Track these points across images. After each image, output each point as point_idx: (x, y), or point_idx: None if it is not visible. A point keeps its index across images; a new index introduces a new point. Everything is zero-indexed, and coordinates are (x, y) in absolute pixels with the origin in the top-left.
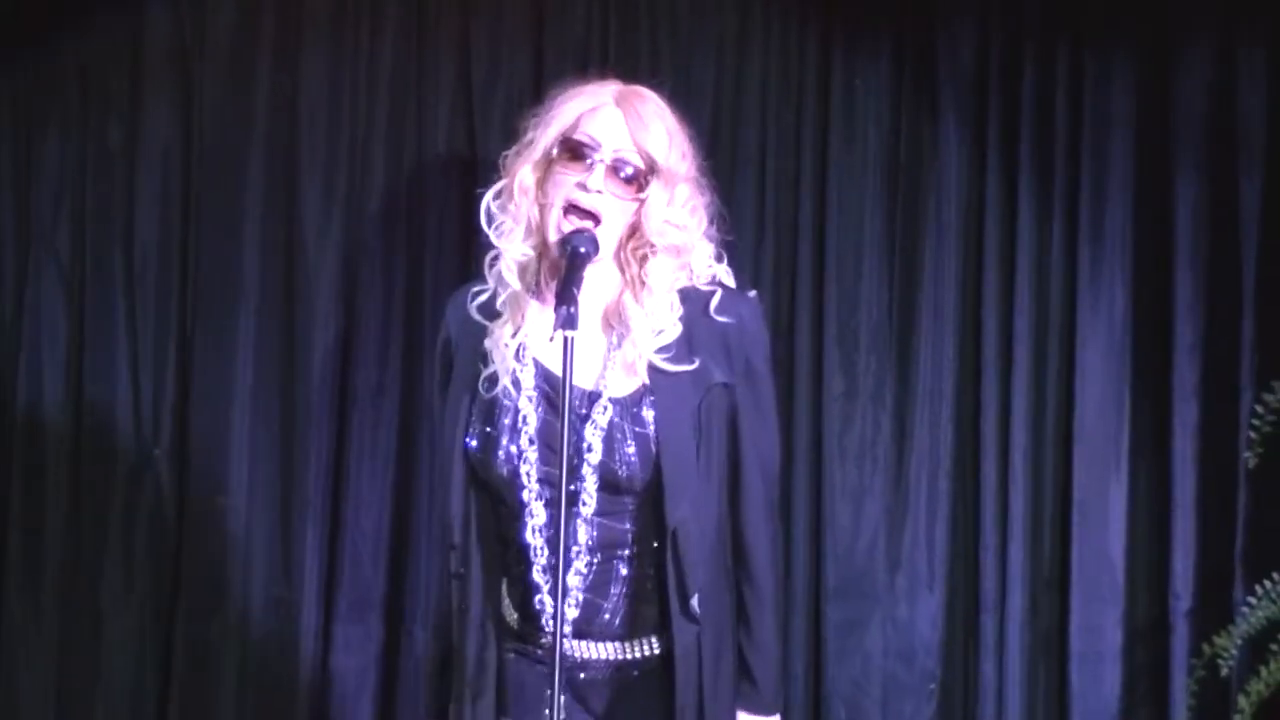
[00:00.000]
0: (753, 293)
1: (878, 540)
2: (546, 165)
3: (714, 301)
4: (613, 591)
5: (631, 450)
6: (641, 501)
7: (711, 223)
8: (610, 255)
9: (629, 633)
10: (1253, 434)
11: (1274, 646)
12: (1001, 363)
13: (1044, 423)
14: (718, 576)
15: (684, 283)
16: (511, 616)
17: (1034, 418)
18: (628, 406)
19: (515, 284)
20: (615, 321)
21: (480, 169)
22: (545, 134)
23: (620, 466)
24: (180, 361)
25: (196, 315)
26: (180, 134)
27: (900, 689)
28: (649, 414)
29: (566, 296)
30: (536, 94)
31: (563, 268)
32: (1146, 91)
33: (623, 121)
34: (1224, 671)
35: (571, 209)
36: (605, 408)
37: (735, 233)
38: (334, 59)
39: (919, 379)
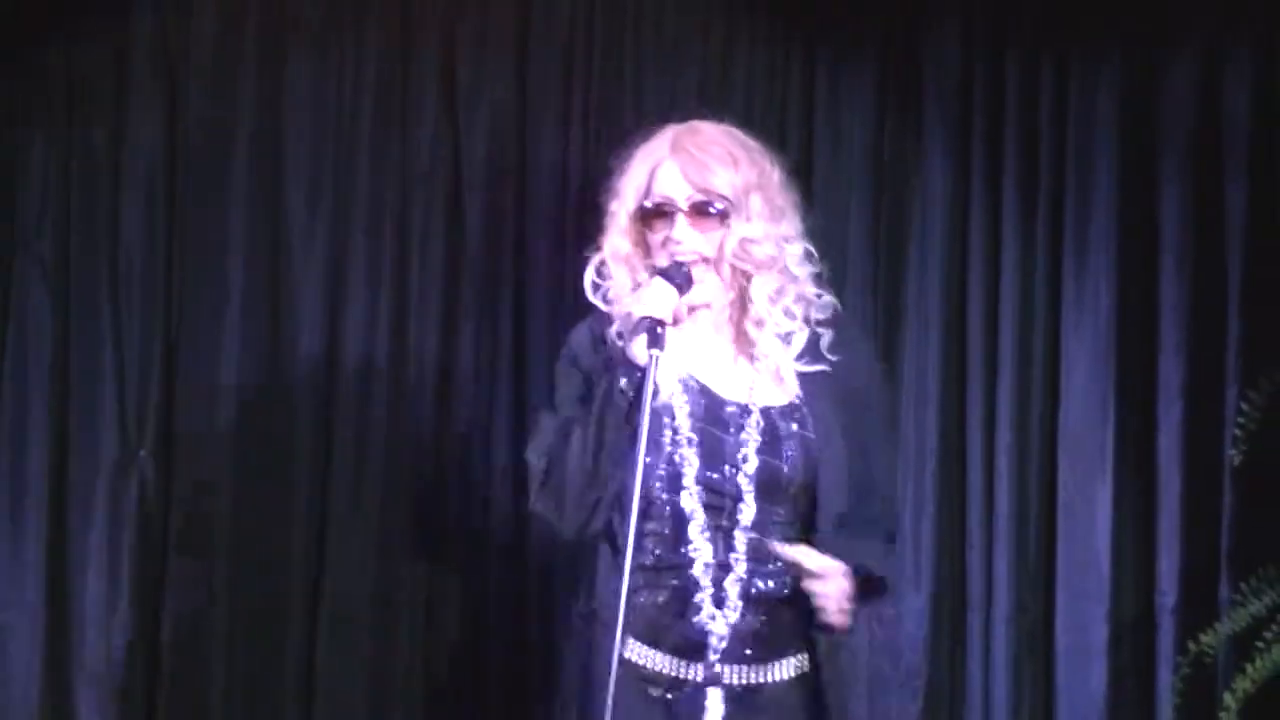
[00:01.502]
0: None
1: None
2: (636, 231)
3: (844, 334)
4: (761, 604)
5: (794, 446)
6: (797, 512)
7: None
8: (727, 284)
9: (776, 650)
10: (1237, 432)
11: (1259, 644)
12: (987, 364)
13: (1029, 423)
14: None
15: (792, 290)
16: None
17: (1019, 418)
18: (785, 414)
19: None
20: (745, 344)
21: (465, 170)
22: (623, 204)
23: (783, 466)
24: (165, 363)
25: (182, 318)
26: (165, 138)
27: (886, 686)
28: (805, 418)
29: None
30: (520, 97)
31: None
32: (1131, 94)
33: (685, 166)
34: (1209, 669)
35: (668, 273)
36: (758, 420)
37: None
38: (318, 64)
39: (904, 381)
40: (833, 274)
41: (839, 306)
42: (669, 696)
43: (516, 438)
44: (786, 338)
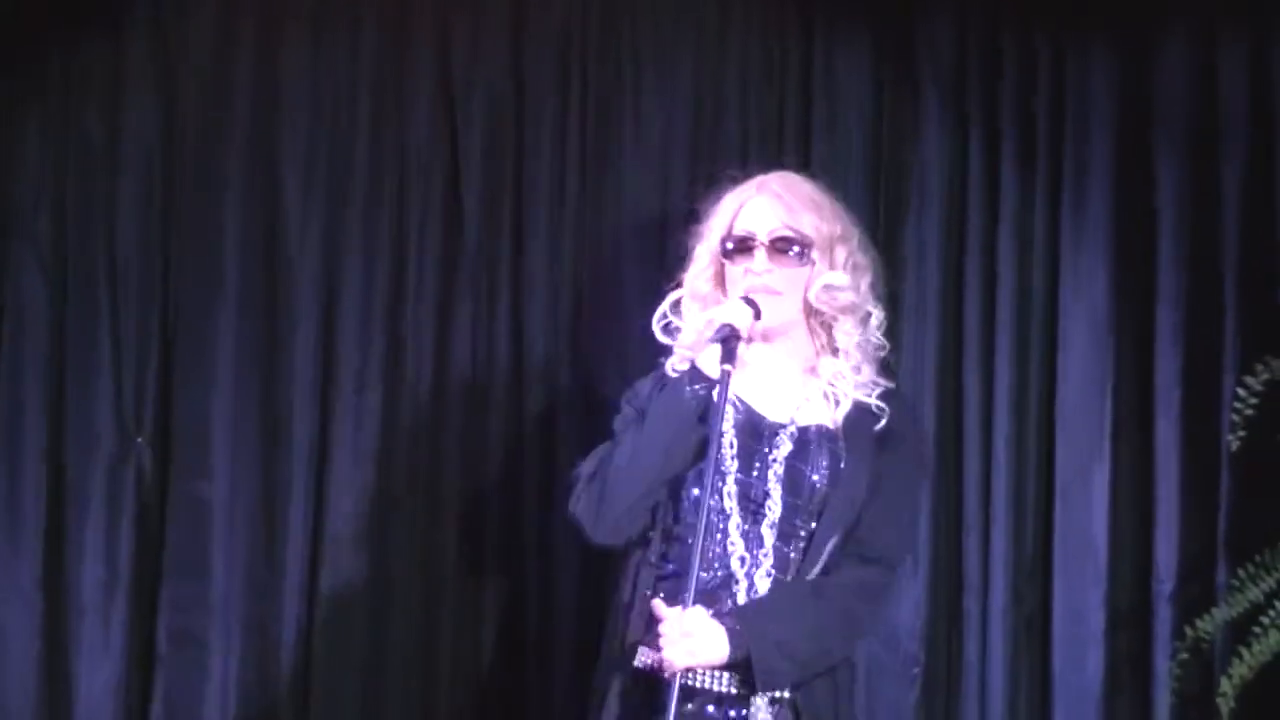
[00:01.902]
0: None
1: None
2: (718, 270)
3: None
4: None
5: (822, 464)
6: (810, 533)
7: (874, 282)
8: (797, 330)
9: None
10: (1235, 417)
11: (1256, 630)
12: (984, 348)
13: (1027, 407)
14: None
15: (869, 346)
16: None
17: (1017, 402)
18: (822, 432)
19: (711, 372)
20: (811, 371)
21: (462, 159)
22: (706, 243)
23: (810, 471)
24: (162, 350)
25: (179, 308)
26: (162, 128)
27: (884, 673)
28: (840, 448)
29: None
30: (517, 86)
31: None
32: (1127, 77)
33: (770, 205)
34: (1207, 655)
35: (748, 298)
36: (793, 433)
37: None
38: (314, 55)
39: (902, 365)
40: None
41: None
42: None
43: (511, 425)
44: (857, 368)
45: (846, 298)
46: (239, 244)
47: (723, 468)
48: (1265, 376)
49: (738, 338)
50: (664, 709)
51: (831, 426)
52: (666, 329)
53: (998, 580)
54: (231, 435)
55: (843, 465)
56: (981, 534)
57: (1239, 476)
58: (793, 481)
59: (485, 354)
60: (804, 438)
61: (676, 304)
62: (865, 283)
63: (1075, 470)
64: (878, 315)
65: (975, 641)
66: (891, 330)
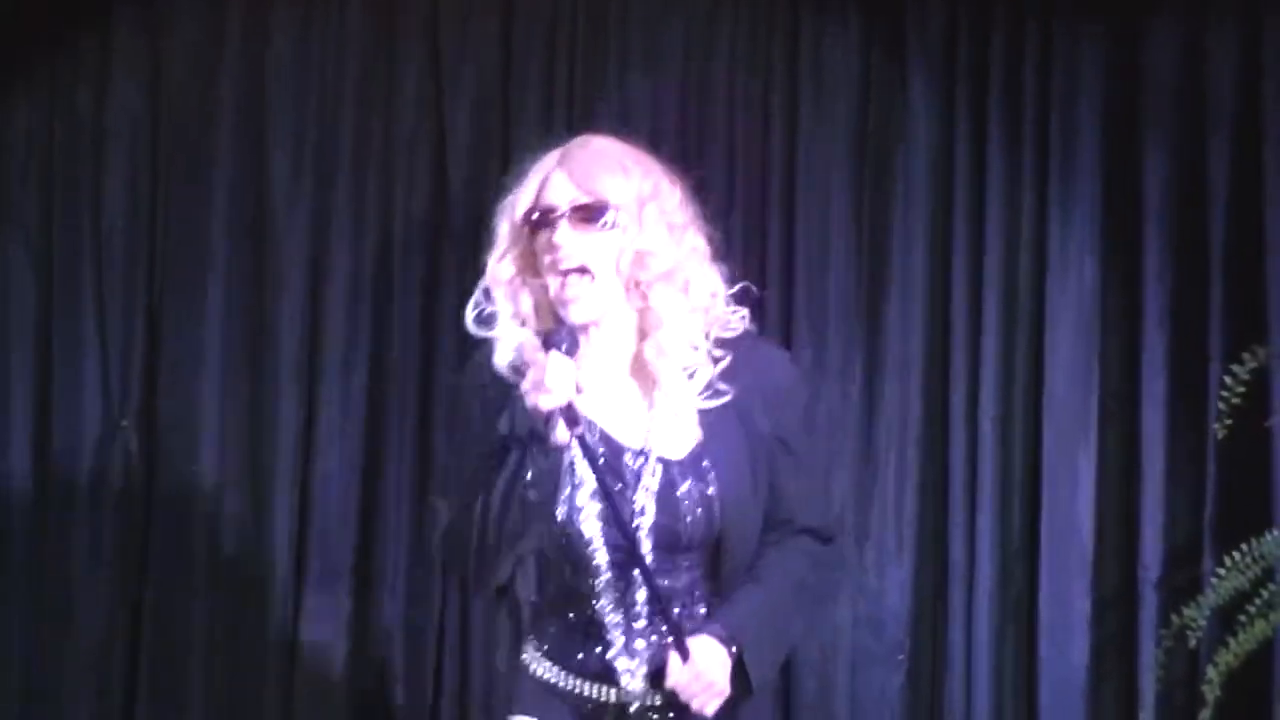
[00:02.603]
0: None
1: (846, 511)
2: (521, 252)
3: (755, 352)
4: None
5: (694, 507)
6: (701, 558)
7: (709, 241)
8: (620, 311)
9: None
10: (1221, 405)
11: (1243, 618)
12: (970, 334)
13: (1013, 394)
14: None
15: (699, 314)
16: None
17: (1003, 389)
18: (684, 468)
19: (507, 373)
20: (643, 373)
21: (449, 138)
22: (510, 220)
23: (680, 525)
24: (149, 331)
25: (165, 284)
26: (149, 106)
27: (870, 659)
28: (706, 471)
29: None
30: (505, 59)
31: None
32: (1115, 60)
33: (571, 173)
34: (1192, 642)
35: (563, 274)
36: (655, 469)
37: (703, 205)
38: (302, 28)
39: (887, 350)
40: (816, 243)
41: (751, 325)
42: None
43: None
44: (690, 372)
45: (659, 264)
46: (226, 224)
47: (582, 521)
48: (1252, 364)
49: (572, 405)
50: None
51: (690, 453)
52: (480, 318)
53: (983, 566)
54: (218, 417)
55: (715, 511)
56: (967, 521)
57: (1225, 464)
58: (664, 540)
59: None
60: (669, 479)
61: (487, 290)
62: (686, 242)
63: (1061, 457)
64: (709, 278)
65: (961, 627)
66: (878, 314)
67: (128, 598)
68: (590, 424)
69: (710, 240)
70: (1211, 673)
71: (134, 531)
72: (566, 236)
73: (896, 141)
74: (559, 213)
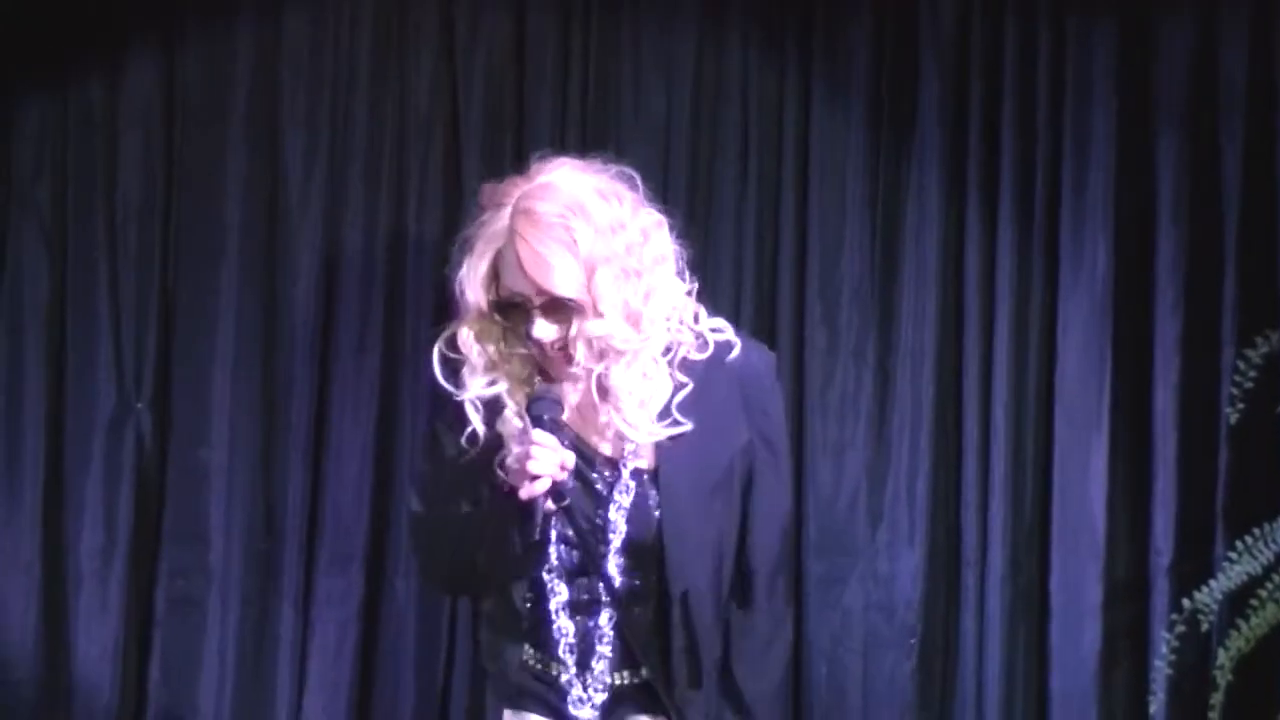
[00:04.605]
0: (771, 355)
1: (859, 495)
2: (488, 319)
3: (730, 360)
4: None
5: (653, 521)
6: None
7: (669, 229)
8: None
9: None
10: (1234, 390)
11: (1254, 603)
12: (983, 319)
13: (1025, 379)
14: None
15: (659, 345)
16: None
17: (1016, 374)
18: (652, 479)
19: (476, 423)
20: (605, 412)
21: (462, 125)
22: (471, 293)
23: (645, 538)
24: (162, 316)
25: (178, 270)
26: (162, 88)
27: (881, 643)
28: (647, 490)
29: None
30: (518, 50)
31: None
32: (1128, 50)
33: (527, 263)
34: (1204, 627)
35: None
36: (628, 485)
37: (719, 190)
38: (316, 12)
39: (901, 334)
40: (830, 229)
41: (725, 328)
42: None
43: None
44: (643, 404)
45: (620, 340)
46: (240, 208)
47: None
48: (1265, 349)
49: (561, 483)
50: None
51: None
52: (447, 366)
53: (995, 552)
54: (231, 400)
55: (657, 514)
56: (979, 505)
57: (1237, 450)
58: (633, 554)
59: None
60: (641, 487)
61: (452, 340)
62: (645, 276)
63: (1073, 442)
64: (668, 298)
65: (972, 613)
66: (890, 300)
67: (140, 579)
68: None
69: (670, 228)
70: (1223, 658)
71: (147, 513)
72: (545, 329)
73: (910, 130)
74: (530, 304)
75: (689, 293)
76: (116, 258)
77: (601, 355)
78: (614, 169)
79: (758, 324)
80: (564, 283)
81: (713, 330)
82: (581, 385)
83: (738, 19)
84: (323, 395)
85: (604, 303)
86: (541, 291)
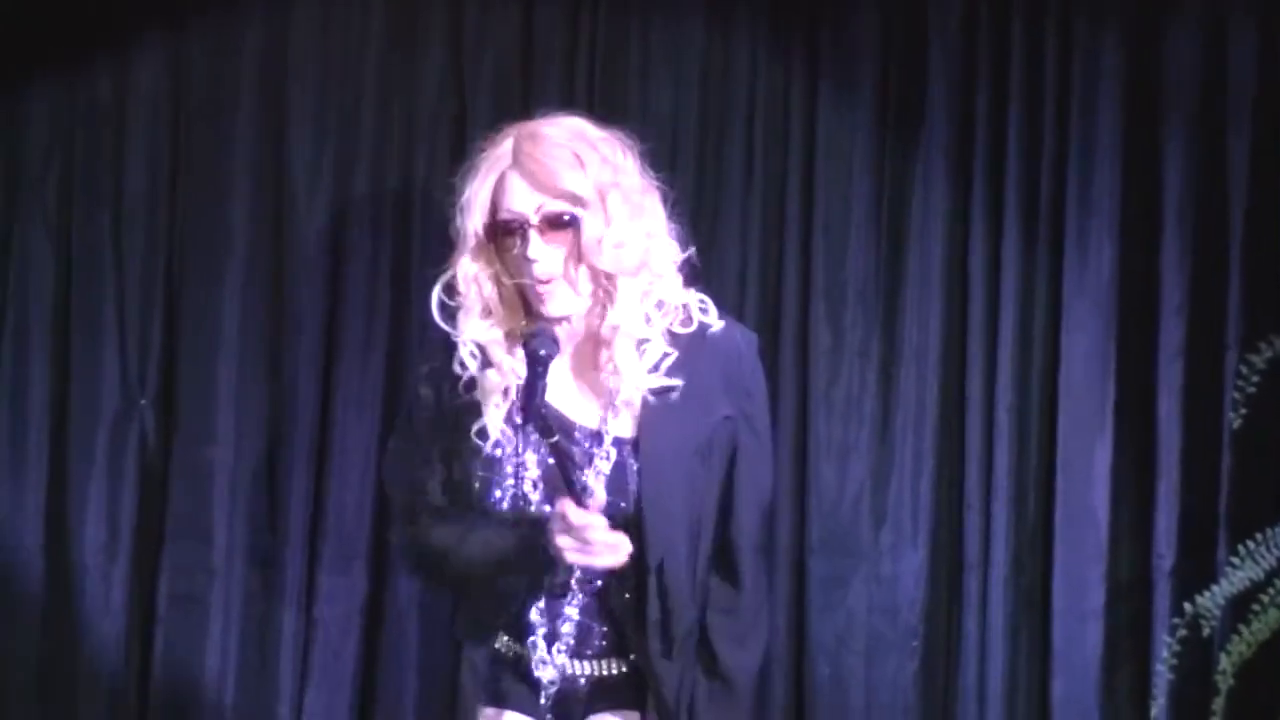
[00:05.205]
0: (753, 335)
1: (862, 496)
2: (486, 250)
3: (712, 334)
4: (604, 614)
5: (632, 489)
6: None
7: (669, 218)
8: (588, 294)
9: (616, 651)
10: (1238, 395)
11: (1256, 607)
12: (988, 320)
13: (1029, 380)
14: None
15: (655, 286)
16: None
17: (1020, 375)
18: (633, 448)
19: (473, 367)
20: (597, 350)
21: (470, 120)
22: (470, 223)
23: (624, 505)
24: (167, 312)
25: (184, 266)
26: (169, 86)
27: (883, 645)
28: (628, 457)
29: (531, 411)
30: (527, 42)
31: (523, 374)
32: (1135, 49)
33: (531, 176)
34: (1206, 631)
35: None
36: (609, 452)
37: (724, 187)
38: (323, 10)
39: (905, 334)
40: (836, 226)
41: (708, 304)
42: None
43: None
44: (640, 347)
45: (630, 257)
46: (246, 205)
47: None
48: (1269, 354)
49: (550, 358)
50: None
51: (632, 436)
52: (446, 312)
53: (998, 553)
54: (235, 397)
55: (632, 488)
56: (983, 507)
57: (1241, 453)
58: (612, 520)
59: None
60: (623, 455)
61: (450, 286)
62: (647, 217)
63: (1077, 445)
64: (665, 249)
65: (975, 614)
66: (895, 300)
67: (144, 576)
68: (548, 406)
69: (664, 198)
70: (1225, 662)
71: (151, 510)
72: (539, 250)
73: (916, 128)
74: (526, 222)
75: (677, 265)
76: (122, 253)
77: (606, 281)
78: (619, 132)
79: (762, 321)
80: (573, 181)
81: (699, 305)
82: (573, 330)
83: (745, 17)
84: (327, 393)
85: (614, 216)
86: (548, 196)
